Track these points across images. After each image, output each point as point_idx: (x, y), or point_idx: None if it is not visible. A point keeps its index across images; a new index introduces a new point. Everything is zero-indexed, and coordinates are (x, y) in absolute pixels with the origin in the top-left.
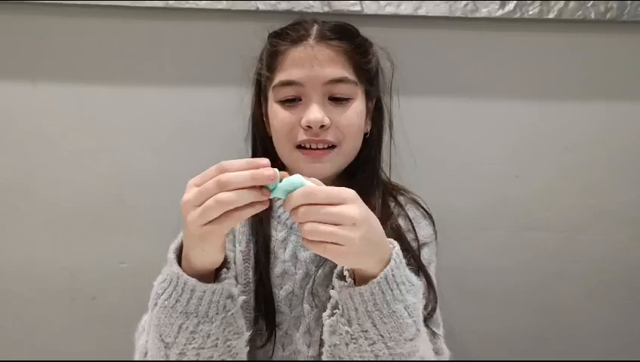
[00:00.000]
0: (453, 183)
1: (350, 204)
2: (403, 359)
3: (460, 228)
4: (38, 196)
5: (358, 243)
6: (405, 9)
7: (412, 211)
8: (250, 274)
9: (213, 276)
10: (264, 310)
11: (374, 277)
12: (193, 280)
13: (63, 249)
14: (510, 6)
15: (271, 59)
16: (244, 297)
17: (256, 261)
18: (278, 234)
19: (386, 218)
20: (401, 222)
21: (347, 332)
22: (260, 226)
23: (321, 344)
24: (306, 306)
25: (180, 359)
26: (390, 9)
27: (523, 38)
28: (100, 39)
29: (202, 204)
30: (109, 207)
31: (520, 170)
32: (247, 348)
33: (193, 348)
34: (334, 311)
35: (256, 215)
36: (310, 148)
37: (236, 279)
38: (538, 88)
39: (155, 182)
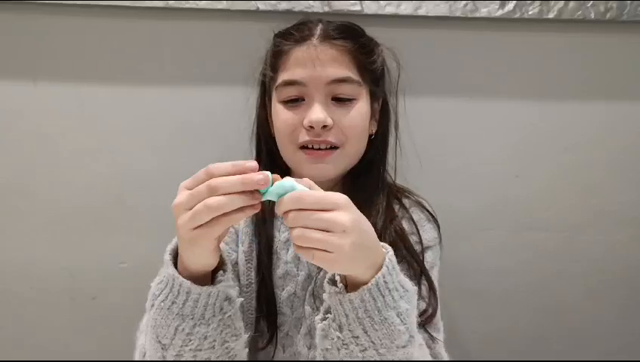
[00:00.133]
0: (453, 183)
1: (341, 210)
2: None
3: (460, 228)
4: (38, 196)
5: (347, 251)
6: (405, 9)
7: (416, 214)
8: (253, 274)
9: (210, 278)
10: (266, 311)
11: (365, 283)
12: (188, 283)
13: (63, 249)
14: (510, 6)
15: (274, 59)
16: (241, 299)
17: (259, 261)
18: (281, 235)
19: (389, 220)
20: (405, 224)
21: (338, 337)
22: (263, 227)
23: None
24: (307, 308)
25: (177, 360)
26: (390, 9)
27: (523, 38)
28: (100, 39)
29: (193, 208)
30: (109, 207)
31: (520, 170)
32: (247, 349)
33: (190, 349)
34: (326, 316)
35: (260, 215)
36: (312, 149)
37: (238, 279)
38: (538, 88)
39: (155, 182)
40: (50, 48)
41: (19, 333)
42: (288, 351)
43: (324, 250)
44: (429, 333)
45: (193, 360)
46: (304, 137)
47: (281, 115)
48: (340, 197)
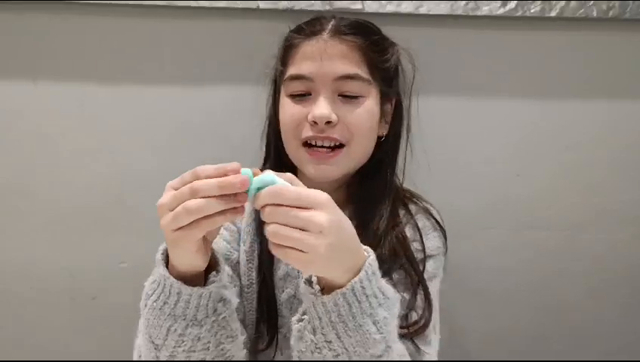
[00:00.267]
0: (454, 182)
1: (320, 209)
2: None
3: (461, 227)
4: (38, 196)
5: (322, 253)
6: (406, 7)
7: (422, 221)
8: (254, 275)
9: (203, 278)
10: (266, 313)
11: (341, 287)
12: (178, 284)
13: (63, 249)
14: (512, 4)
15: (285, 53)
16: (237, 301)
17: (260, 262)
18: None
19: (391, 226)
20: (409, 231)
21: (312, 340)
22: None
23: None
24: None
25: (170, 360)
26: (391, 7)
27: (524, 36)
28: (100, 38)
29: (174, 209)
30: (109, 207)
31: (521, 169)
32: (245, 350)
33: (183, 350)
34: (303, 317)
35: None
36: (316, 146)
37: (239, 279)
38: (539, 87)
39: (155, 182)
40: (50, 48)
41: (19, 333)
42: (286, 354)
43: (299, 250)
44: (416, 345)
45: (187, 360)
46: (308, 132)
47: (287, 109)
48: (321, 196)
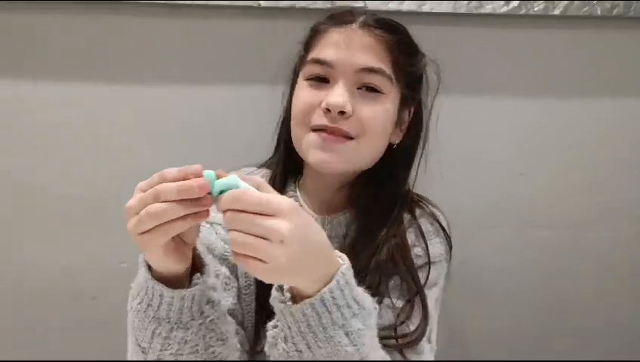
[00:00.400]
0: (457, 181)
1: (282, 217)
2: None
3: (465, 226)
4: (39, 196)
5: (283, 262)
6: (408, 6)
7: (425, 225)
8: (252, 276)
9: (189, 280)
10: (265, 315)
11: (311, 296)
12: (160, 286)
13: (63, 249)
14: (515, 3)
15: (309, 38)
16: (234, 301)
17: None
18: None
19: (392, 234)
20: (410, 236)
21: (284, 348)
22: None
23: None
24: None
25: None
26: (393, 5)
27: (528, 34)
28: (100, 37)
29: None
30: (110, 206)
31: (525, 168)
32: (239, 352)
33: (170, 354)
34: (277, 324)
35: None
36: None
37: (237, 280)
38: (543, 85)
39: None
40: (50, 47)
41: (19, 333)
42: None
43: (260, 259)
44: (404, 356)
45: None
46: (318, 120)
47: (302, 92)
48: (284, 203)
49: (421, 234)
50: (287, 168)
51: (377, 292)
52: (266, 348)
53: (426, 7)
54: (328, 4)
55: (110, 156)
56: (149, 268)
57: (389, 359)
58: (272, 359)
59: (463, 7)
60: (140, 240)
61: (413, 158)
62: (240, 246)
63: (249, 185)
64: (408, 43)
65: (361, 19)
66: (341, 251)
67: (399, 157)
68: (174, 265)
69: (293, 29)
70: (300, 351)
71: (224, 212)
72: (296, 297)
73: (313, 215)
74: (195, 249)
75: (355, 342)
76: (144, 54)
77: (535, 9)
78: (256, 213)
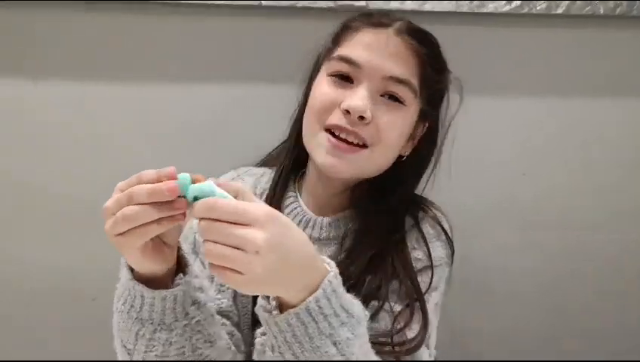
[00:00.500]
0: (461, 181)
1: (258, 227)
2: None
3: (468, 227)
4: (38, 196)
5: (260, 273)
6: (410, 5)
7: (427, 228)
8: None
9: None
10: None
11: (295, 306)
12: (140, 286)
13: (64, 249)
14: (517, 2)
15: (340, 33)
16: (223, 304)
17: None
18: None
19: (392, 237)
20: (411, 239)
21: (271, 357)
22: None
23: None
24: None
25: None
26: (395, 4)
27: (530, 34)
28: (101, 37)
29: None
30: None
31: (528, 168)
32: (232, 354)
33: (155, 355)
34: (265, 331)
35: None
36: (339, 138)
37: None
38: (546, 85)
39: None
40: (50, 46)
41: (19, 333)
42: None
43: (235, 270)
44: None
45: None
46: (334, 120)
47: (322, 88)
48: (260, 211)
49: (422, 237)
50: (294, 163)
51: (377, 295)
52: (254, 356)
53: (428, 6)
54: (330, 4)
55: (110, 156)
56: (131, 268)
57: None
58: None
59: (464, 6)
60: (116, 242)
61: (422, 173)
62: (215, 258)
63: (225, 193)
64: (439, 58)
65: (398, 25)
66: (339, 253)
67: (407, 169)
68: (153, 266)
69: (294, 28)
70: (287, 361)
71: (199, 220)
72: (283, 305)
73: (312, 215)
74: (179, 249)
75: (343, 351)
76: (144, 54)
77: (537, 8)
78: (232, 223)
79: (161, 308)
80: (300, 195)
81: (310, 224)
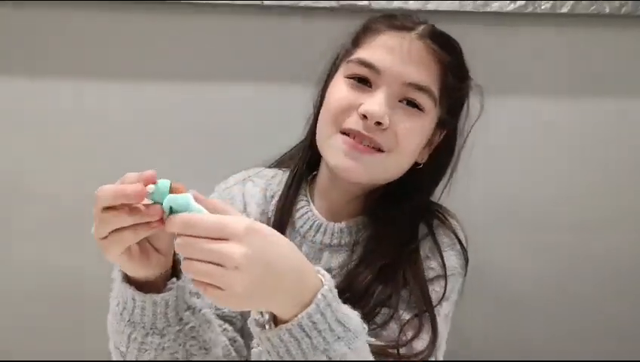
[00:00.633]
0: (467, 183)
1: (236, 241)
2: None
3: (475, 229)
4: (39, 195)
5: (240, 291)
6: (414, 4)
7: (441, 237)
8: None
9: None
10: None
11: (288, 320)
12: (131, 289)
13: (66, 249)
14: (521, 2)
15: (360, 33)
16: (211, 310)
17: None
18: (292, 236)
19: (405, 245)
20: (424, 248)
21: None
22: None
23: None
24: None
25: None
26: (398, 4)
27: (535, 33)
28: (101, 35)
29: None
30: None
31: (534, 170)
32: (232, 359)
33: (149, 359)
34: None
35: (277, 217)
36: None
37: None
38: (551, 85)
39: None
40: (50, 47)
41: (20, 333)
42: None
43: (216, 286)
44: None
45: None
46: (352, 124)
47: (339, 91)
48: (240, 225)
49: (437, 246)
50: (308, 165)
51: (387, 304)
52: None
53: (431, 6)
54: (333, 3)
55: (112, 155)
56: None
57: None
58: None
59: (468, 5)
60: (100, 245)
61: (438, 180)
62: (194, 274)
63: (201, 208)
64: (461, 66)
65: (421, 29)
66: (350, 260)
67: (424, 176)
68: (143, 271)
69: (296, 27)
70: None
71: (175, 235)
72: (277, 319)
73: (323, 220)
74: (175, 253)
75: None
76: (145, 53)
77: (542, 7)
78: (209, 238)
79: (152, 313)
80: (312, 199)
81: (321, 229)
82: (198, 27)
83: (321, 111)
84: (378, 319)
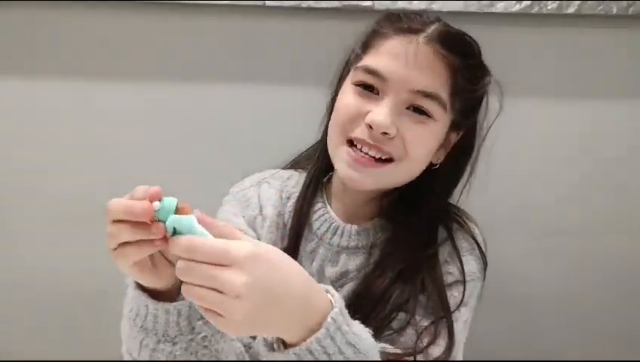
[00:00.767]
0: (476, 186)
1: (238, 268)
2: None
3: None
4: (40, 196)
5: (241, 319)
6: (418, 4)
7: (460, 241)
8: None
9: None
10: None
11: (296, 344)
12: (144, 297)
13: (64, 249)
14: (527, 2)
15: (368, 38)
16: None
17: None
18: (307, 244)
19: (424, 249)
20: (443, 252)
21: None
22: (292, 232)
23: None
24: None
25: None
26: (402, 4)
27: (541, 34)
28: (101, 35)
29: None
30: None
31: (541, 172)
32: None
33: None
34: None
35: (295, 219)
36: (361, 151)
37: None
38: (558, 86)
39: (157, 182)
40: (50, 46)
41: (20, 334)
42: None
43: (218, 313)
44: None
45: None
46: (359, 133)
47: (347, 98)
48: (242, 252)
49: (456, 251)
50: (326, 166)
51: (404, 309)
52: None
53: (436, 6)
54: (335, 4)
55: (113, 155)
56: None
57: None
58: None
59: (473, 6)
60: (111, 256)
61: (457, 181)
62: (195, 299)
63: (204, 231)
64: (475, 67)
65: (430, 31)
66: (367, 263)
67: (441, 177)
68: (154, 282)
69: (298, 28)
70: None
71: (177, 259)
72: (285, 341)
73: (340, 222)
74: None
75: None
76: (146, 54)
77: (548, 8)
78: (210, 264)
79: (164, 321)
80: (328, 201)
81: (338, 232)
82: (201, 28)
83: (331, 116)
84: (395, 324)
